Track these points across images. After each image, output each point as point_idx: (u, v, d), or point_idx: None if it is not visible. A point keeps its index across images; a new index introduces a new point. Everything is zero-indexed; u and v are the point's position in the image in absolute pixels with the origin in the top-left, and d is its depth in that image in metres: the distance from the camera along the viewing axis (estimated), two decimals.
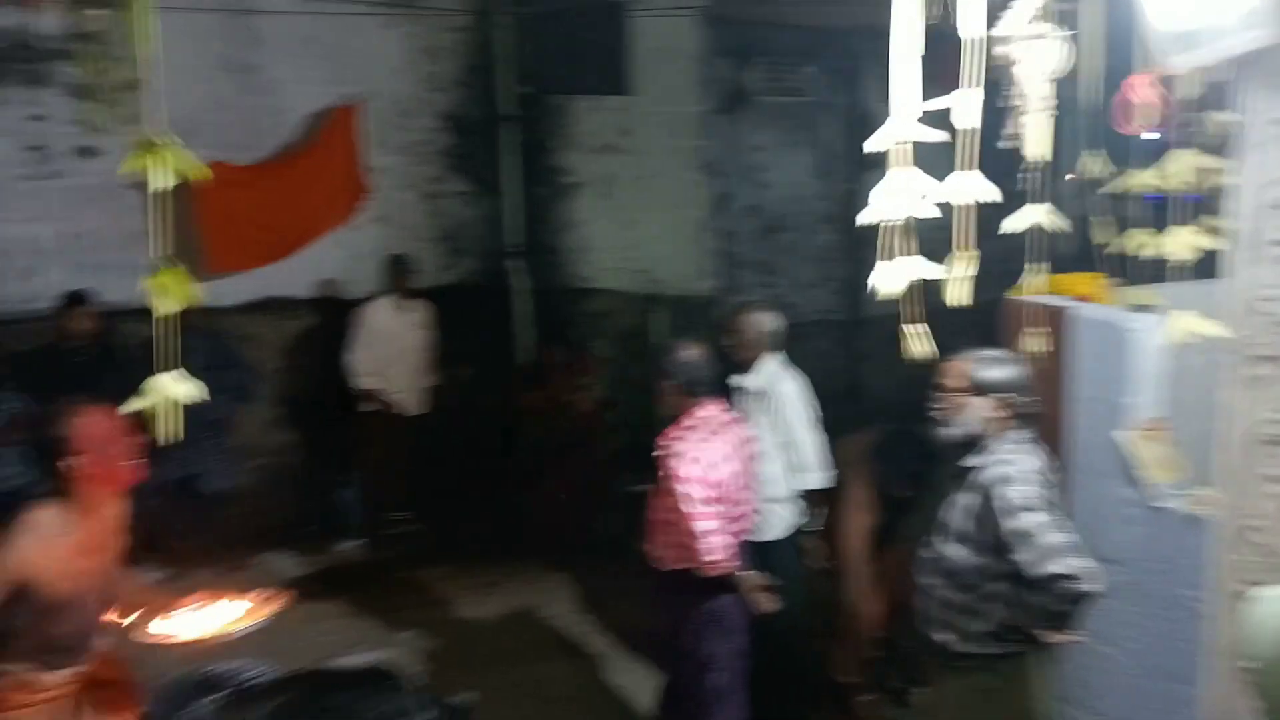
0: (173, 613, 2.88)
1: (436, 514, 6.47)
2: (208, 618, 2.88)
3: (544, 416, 6.24)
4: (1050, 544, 2.53)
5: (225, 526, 5.87)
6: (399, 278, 6.22)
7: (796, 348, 4.39)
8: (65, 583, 2.59)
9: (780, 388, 3.93)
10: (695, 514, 3.27)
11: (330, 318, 6.44)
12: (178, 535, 5.79)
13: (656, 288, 7.35)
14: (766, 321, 4.01)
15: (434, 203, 7.12)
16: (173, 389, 1.48)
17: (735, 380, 4.01)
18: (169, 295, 1.49)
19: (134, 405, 1.48)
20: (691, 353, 3.50)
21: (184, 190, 1.59)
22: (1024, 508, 2.58)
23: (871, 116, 7.58)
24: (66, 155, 5.79)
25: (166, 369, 1.50)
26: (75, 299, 5.37)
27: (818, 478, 3.95)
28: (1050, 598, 2.55)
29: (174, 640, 2.79)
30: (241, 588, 3.05)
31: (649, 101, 7.13)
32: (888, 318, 2.38)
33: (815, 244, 8.15)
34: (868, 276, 2.20)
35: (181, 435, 1.55)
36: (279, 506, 6.30)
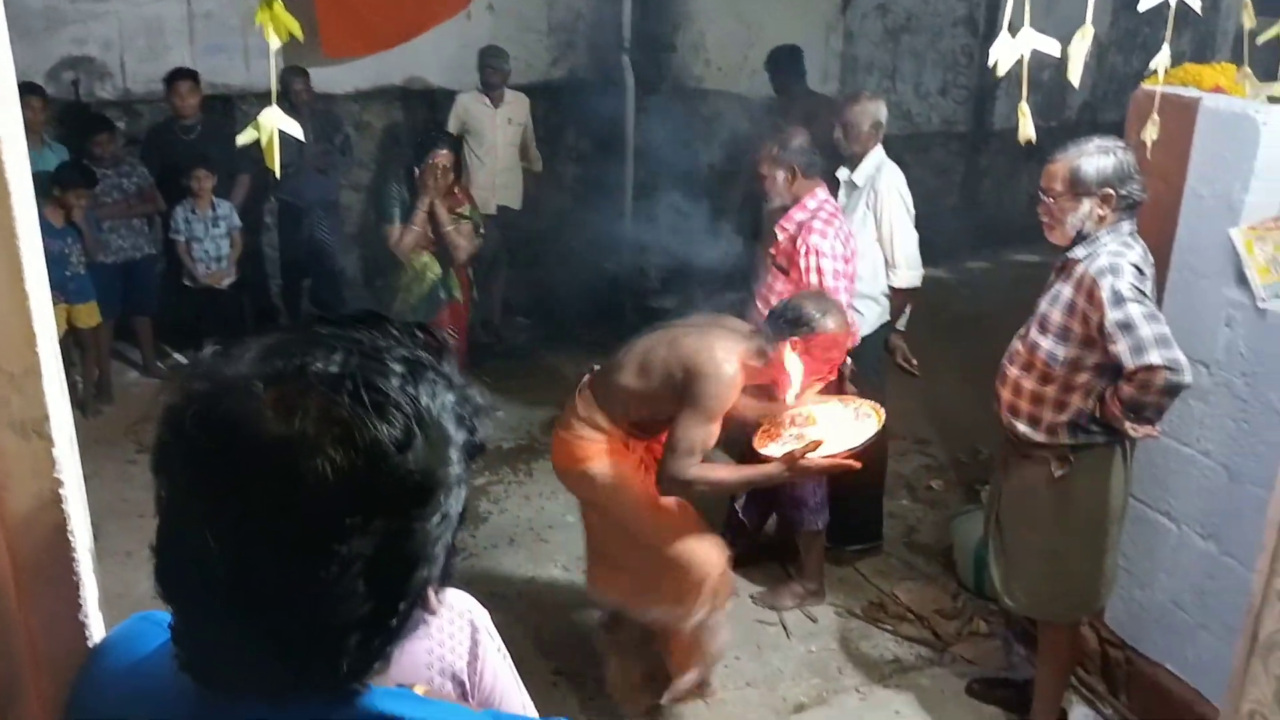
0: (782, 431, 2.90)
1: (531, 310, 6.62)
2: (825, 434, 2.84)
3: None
4: (1150, 334, 2.51)
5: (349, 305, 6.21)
6: (492, 71, 5.99)
7: (916, 159, 4.24)
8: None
9: (884, 182, 3.87)
10: (832, 288, 3.34)
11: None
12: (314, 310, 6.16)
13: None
14: (878, 112, 3.90)
15: None
16: (280, 121, 1.54)
17: (842, 174, 3.94)
18: (275, 28, 1.53)
19: (246, 136, 1.55)
20: (802, 137, 3.48)
21: None
22: (1129, 298, 2.54)
23: None
24: None
25: (275, 103, 1.55)
26: (179, 75, 5.48)
27: (910, 276, 3.92)
28: (1142, 389, 2.53)
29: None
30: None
31: None
32: (1014, 132, 2.28)
33: (944, 49, 7.70)
34: (999, 85, 2.08)
35: (279, 170, 1.61)
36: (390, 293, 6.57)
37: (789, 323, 2.79)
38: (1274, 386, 2.68)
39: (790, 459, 2.68)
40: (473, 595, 1.19)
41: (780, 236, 3.51)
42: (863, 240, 3.78)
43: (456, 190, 4.68)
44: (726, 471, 2.94)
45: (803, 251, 3.41)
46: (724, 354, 2.75)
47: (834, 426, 2.86)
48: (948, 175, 7.95)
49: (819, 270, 3.39)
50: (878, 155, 3.91)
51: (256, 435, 0.73)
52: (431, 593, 0.83)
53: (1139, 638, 3.19)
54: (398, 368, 0.77)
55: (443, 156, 4.57)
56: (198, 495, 0.75)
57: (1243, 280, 2.76)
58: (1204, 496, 2.95)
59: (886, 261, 3.88)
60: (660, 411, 2.87)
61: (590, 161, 7.23)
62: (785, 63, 5.91)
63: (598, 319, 6.44)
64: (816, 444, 2.69)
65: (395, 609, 0.78)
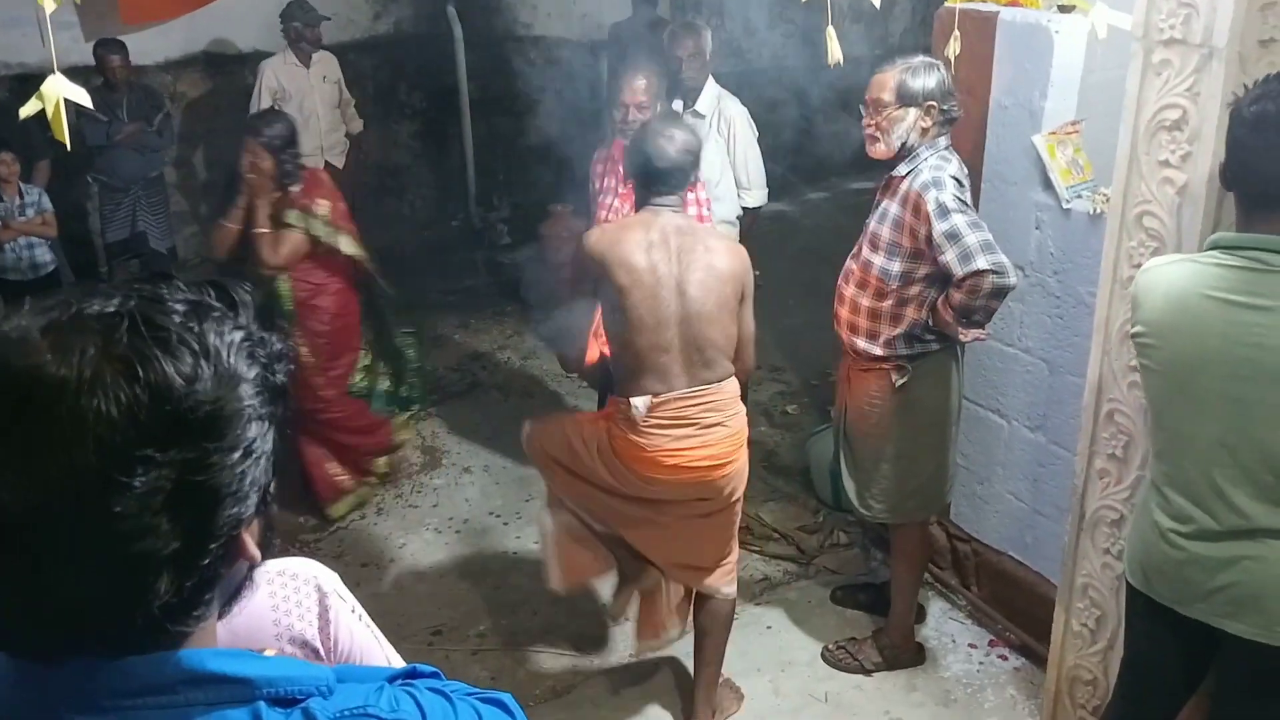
0: None
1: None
2: None
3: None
4: (976, 241, 2.62)
5: None
6: (300, 28, 5.61)
7: (750, 96, 4.28)
8: None
9: (732, 109, 4.00)
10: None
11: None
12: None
13: (603, 33, 7.08)
14: (710, 41, 4.01)
15: None
16: (64, 89, 1.47)
17: (676, 105, 3.99)
18: None
19: (29, 109, 1.47)
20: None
21: None
22: (953, 209, 2.65)
23: None
24: None
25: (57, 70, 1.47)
26: None
27: (761, 195, 4.10)
28: (971, 293, 2.66)
29: None
30: None
31: None
32: (843, 65, 2.34)
33: None
34: (829, 19, 2.14)
35: (69, 143, 1.54)
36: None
37: (685, 169, 2.72)
38: (1082, 281, 2.86)
39: None
40: (344, 567, 1.18)
41: None
42: (718, 168, 3.84)
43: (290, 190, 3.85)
44: None
45: None
46: (723, 237, 2.84)
47: None
48: (782, 110, 8.08)
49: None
50: (714, 85, 4.03)
51: (35, 378, 0.72)
52: (248, 539, 0.82)
53: (983, 530, 3.40)
54: (179, 307, 0.78)
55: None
56: None
57: (1048, 184, 2.92)
58: (1029, 391, 3.14)
59: (738, 183, 3.97)
60: None
61: (425, 117, 7.05)
62: None
63: (452, 276, 6.34)
64: None
65: (204, 548, 0.77)
